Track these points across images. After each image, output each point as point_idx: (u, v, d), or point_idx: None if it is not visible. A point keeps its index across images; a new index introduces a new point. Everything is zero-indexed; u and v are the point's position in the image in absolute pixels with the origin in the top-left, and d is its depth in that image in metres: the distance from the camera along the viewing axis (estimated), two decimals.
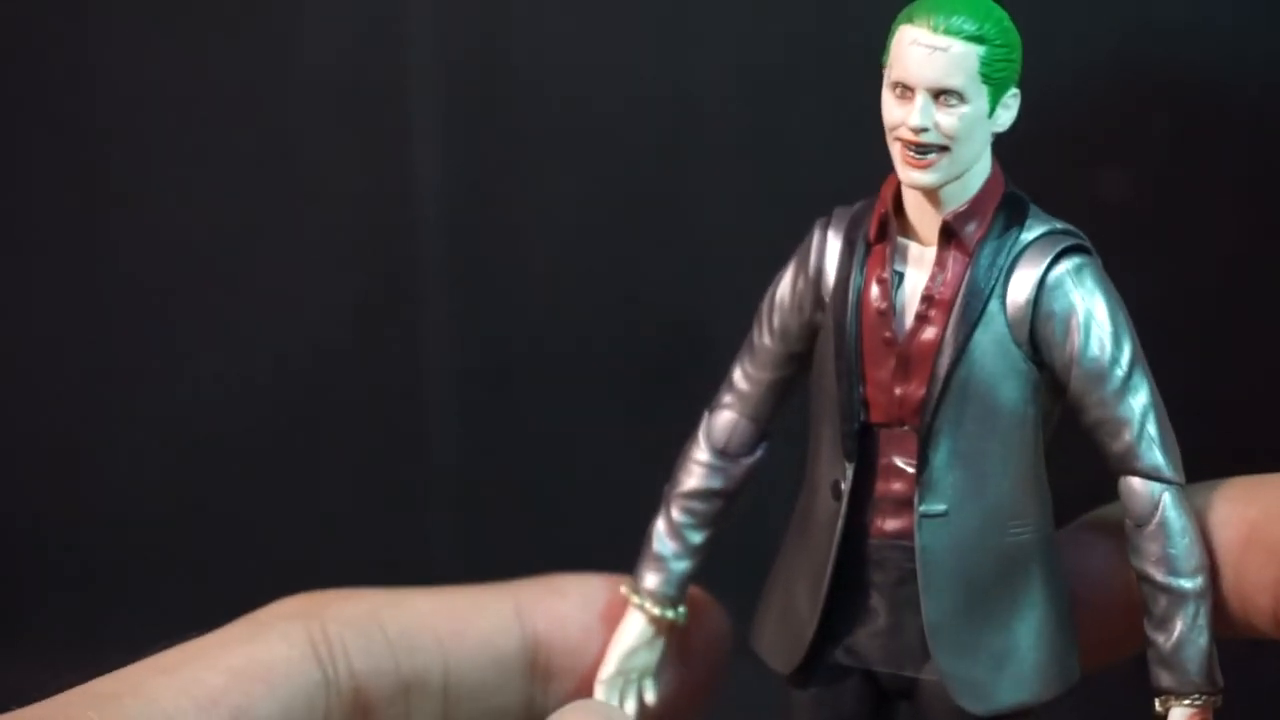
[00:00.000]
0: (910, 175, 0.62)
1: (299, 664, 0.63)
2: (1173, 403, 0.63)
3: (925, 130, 0.61)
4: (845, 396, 0.64)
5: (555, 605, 0.70)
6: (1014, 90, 0.62)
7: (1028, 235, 0.63)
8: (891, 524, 0.64)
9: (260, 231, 0.96)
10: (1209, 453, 0.66)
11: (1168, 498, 0.63)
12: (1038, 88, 0.63)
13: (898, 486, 0.64)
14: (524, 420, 0.96)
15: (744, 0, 0.90)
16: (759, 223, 0.67)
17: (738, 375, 0.70)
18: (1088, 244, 0.64)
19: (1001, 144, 0.63)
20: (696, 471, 0.70)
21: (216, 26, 0.94)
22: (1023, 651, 0.64)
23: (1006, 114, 0.62)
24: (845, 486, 0.64)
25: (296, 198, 0.96)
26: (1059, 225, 0.64)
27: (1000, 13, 0.62)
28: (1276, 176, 0.83)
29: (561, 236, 0.95)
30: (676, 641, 0.71)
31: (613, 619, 0.70)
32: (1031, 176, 0.65)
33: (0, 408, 0.98)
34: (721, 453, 0.70)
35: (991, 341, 0.63)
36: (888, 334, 0.64)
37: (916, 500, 0.63)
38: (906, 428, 0.64)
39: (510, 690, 0.69)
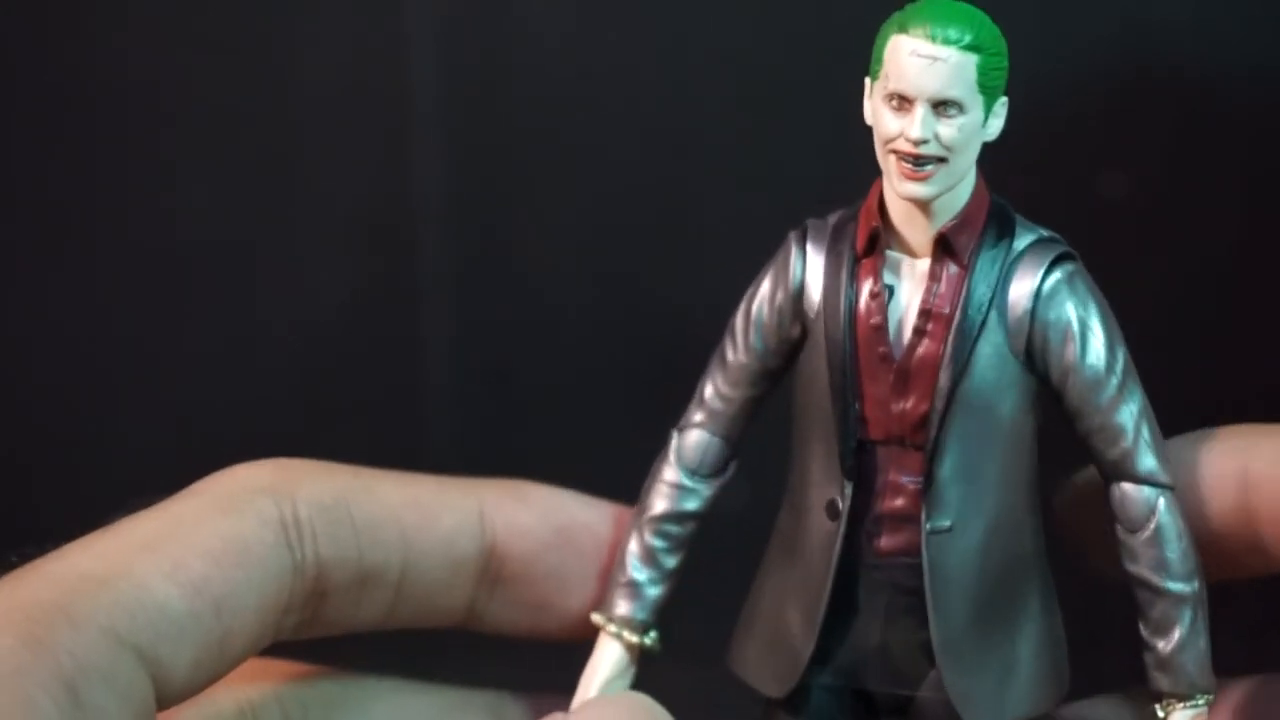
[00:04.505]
0: (907, 188, 0.61)
1: (272, 548, 0.63)
2: (1171, 404, 0.64)
3: (926, 142, 0.60)
4: (842, 414, 0.63)
5: (517, 514, 0.69)
6: (1003, 99, 0.62)
7: (1019, 244, 0.63)
8: (891, 541, 0.63)
9: (262, 232, 0.94)
10: None
11: (1163, 502, 0.63)
12: (1038, 88, 0.62)
13: (900, 503, 0.63)
14: (524, 420, 0.94)
15: (744, 1, 0.89)
16: (760, 223, 0.66)
17: (709, 393, 0.67)
18: (1073, 251, 0.64)
19: (1001, 147, 0.62)
20: (668, 493, 0.68)
21: (219, 28, 0.92)
22: (1024, 663, 0.64)
23: (996, 122, 0.61)
24: (844, 505, 0.63)
25: (298, 198, 0.93)
26: (1044, 233, 0.64)
27: (989, 20, 0.61)
28: (1276, 176, 0.84)
29: (562, 236, 0.93)
30: None
31: (570, 537, 0.69)
32: (1031, 177, 0.64)
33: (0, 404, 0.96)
34: (693, 473, 0.68)
35: (991, 353, 0.62)
36: (883, 349, 0.63)
37: (924, 517, 0.62)
38: (906, 444, 0.63)
39: (458, 591, 0.69)
